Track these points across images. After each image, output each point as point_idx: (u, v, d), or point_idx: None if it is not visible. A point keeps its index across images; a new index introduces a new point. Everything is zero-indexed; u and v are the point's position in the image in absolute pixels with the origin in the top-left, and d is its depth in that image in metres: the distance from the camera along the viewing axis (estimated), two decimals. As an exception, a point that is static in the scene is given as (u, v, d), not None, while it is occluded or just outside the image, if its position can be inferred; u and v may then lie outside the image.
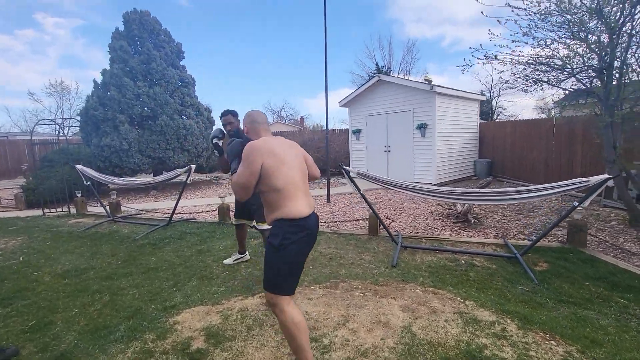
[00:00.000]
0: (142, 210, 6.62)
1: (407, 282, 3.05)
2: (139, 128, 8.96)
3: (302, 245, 1.78)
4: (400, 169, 8.71)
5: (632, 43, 4.14)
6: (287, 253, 1.72)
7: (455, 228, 4.79)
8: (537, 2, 4.70)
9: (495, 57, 5.62)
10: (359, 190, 4.04)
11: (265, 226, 3.10)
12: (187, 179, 4.76)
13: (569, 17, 4.57)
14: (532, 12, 4.88)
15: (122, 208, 6.64)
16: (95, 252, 4.23)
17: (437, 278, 3.13)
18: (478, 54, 5.74)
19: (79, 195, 6.56)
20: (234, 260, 3.62)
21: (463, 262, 3.53)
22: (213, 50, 58.09)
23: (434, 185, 7.44)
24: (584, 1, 4.29)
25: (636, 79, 4.31)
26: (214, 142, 3.03)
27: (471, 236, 4.44)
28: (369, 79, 19.74)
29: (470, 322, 2.35)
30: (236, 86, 63.60)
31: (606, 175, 3.05)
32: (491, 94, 22.98)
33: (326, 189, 7.09)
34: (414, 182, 6.37)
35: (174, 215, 5.36)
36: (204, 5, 53.72)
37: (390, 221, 5.35)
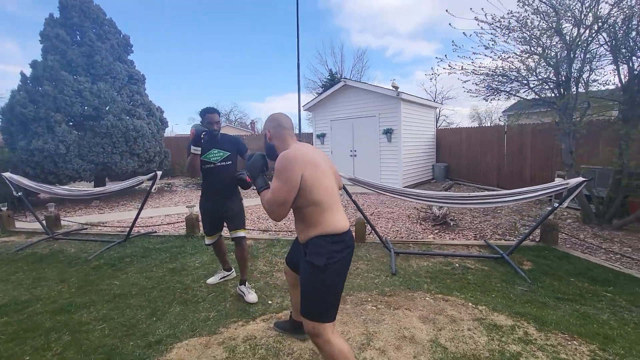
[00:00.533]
0: (86, 225, 5.71)
1: (414, 290, 2.95)
2: (79, 129, 7.80)
3: (345, 264, 1.59)
4: (366, 173, 8.79)
5: (586, 59, 4.62)
6: (332, 273, 1.53)
7: (436, 231, 4.88)
8: (501, 18, 5.06)
9: (462, 68, 5.94)
10: (350, 196, 3.89)
11: (242, 233, 2.84)
12: (152, 187, 4.17)
13: (529, 32, 4.98)
14: (496, 27, 5.25)
15: (62, 222, 5.66)
16: (38, 278, 3.47)
17: (441, 284, 3.09)
18: (444, 63, 6.02)
19: (3, 208, 5.44)
20: (220, 279, 3.21)
21: (457, 265, 3.56)
22: (156, 48, 54.34)
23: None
24: (546, 18, 4.69)
25: (593, 89, 4.83)
26: (202, 136, 2.64)
27: (453, 238, 4.54)
28: (334, 84, 19.83)
29: (492, 328, 2.31)
30: (179, 88, 60.20)
31: (582, 179, 3.28)
32: (435, 102, 24.70)
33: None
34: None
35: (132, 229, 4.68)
36: (148, 1, 50.13)
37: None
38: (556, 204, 3.42)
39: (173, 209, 6.94)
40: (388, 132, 8.17)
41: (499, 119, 21.52)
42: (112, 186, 4.73)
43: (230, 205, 2.83)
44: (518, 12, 5.00)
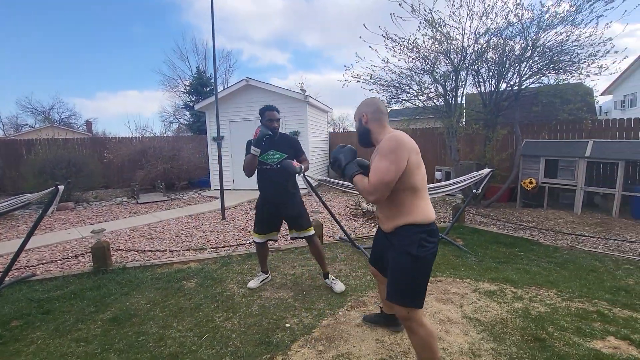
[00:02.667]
0: None
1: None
2: None
3: (435, 253, 1.62)
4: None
5: (467, 76, 6.03)
6: (426, 262, 1.59)
7: (372, 225, 5.33)
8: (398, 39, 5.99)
9: (371, 77, 6.67)
10: (320, 198, 3.80)
11: (312, 231, 2.92)
12: (51, 208, 2.86)
13: (424, 53, 6.09)
14: (391, 46, 6.17)
15: None
16: None
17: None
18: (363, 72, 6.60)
19: None
20: (261, 282, 3.09)
21: (416, 250, 4.03)
22: None
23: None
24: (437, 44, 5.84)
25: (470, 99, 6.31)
26: (265, 138, 2.65)
27: (393, 229, 5.08)
28: (203, 83, 18.06)
29: (490, 295, 2.78)
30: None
31: (488, 169, 4.32)
32: (328, 107, 26.41)
33: (220, 204, 6.07)
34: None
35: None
36: None
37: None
38: (474, 190, 4.36)
39: (56, 237, 4.92)
40: (295, 135, 8.27)
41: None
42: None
43: (292, 205, 2.89)
44: (414, 35, 6.05)
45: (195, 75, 21.27)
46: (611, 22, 5.01)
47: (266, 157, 2.78)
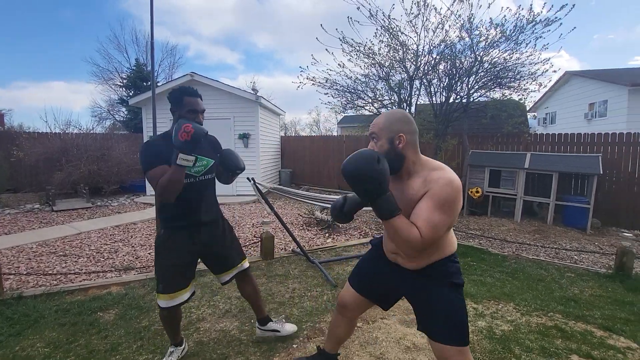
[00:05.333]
0: None
1: (368, 297, 2.93)
2: None
3: None
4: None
5: (420, 86, 6.09)
6: (462, 291, 1.43)
7: (327, 235, 5.05)
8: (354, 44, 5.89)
9: (327, 81, 6.47)
10: (272, 208, 3.41)
11: (247, 263, 2.14)
12: None
13: (379, 60, 6.05)
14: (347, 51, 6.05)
15: None
16: None
17: (380, 284, 3.22)
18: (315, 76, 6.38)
19: None
20: (178, 358, 2.02)
21: (374, 263, 3.82)
22: None
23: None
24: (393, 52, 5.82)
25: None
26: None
27: (348, 239, 4.85)
28: (143, 77, 16.51)
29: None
30: None
31: None
32: (281, 110, 25.56)
33: (155, 211, 5.32)
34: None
35: None
36: None
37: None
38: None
39: None
40: (245, 137, 7.74)
41: (333, 130, 24.81)
42: None
43: (221, 233, 2.05)
44: (370, 41, 5.98)
45: (134, 67, 19.44)
46: (548, 44, 5.42)
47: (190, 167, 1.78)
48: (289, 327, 2.27)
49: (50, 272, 3.45)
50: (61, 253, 4.06)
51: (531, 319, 2.56)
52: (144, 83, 15.89)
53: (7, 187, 8.05)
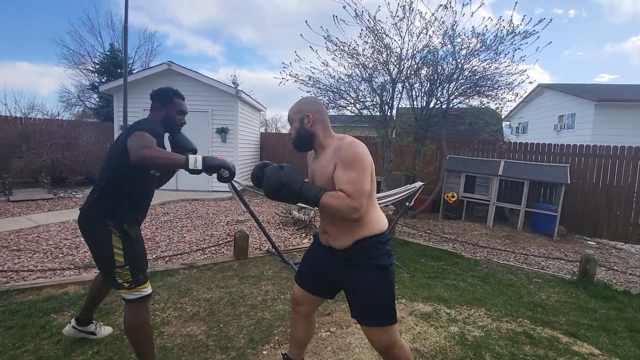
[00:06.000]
0: None
1: (337, 299, 2.87)
2: None
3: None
4: (195, 177, 7.69)
5: (402, 89, 6.12)
6: (392, 273, 1.46)
7: (303, 235, 4.97)
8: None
9: (309, 79, 6.39)
10: (247, 206, 3.29)
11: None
12: None
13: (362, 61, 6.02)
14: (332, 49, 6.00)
15: None
16: None
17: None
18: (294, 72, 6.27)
19: None
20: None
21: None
22: None
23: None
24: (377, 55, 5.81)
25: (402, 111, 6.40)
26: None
27: (325, 240, 4.79)
28: (115, 62, 15.76)
29: (426, 317, 2.63)
30: None
31: (421, 183, 4.34)
32: (262, 105, 25.00)
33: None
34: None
35: None
36: None
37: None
38: (407, 203, 4.33)
39: None
40: (223, 132, 7.51)
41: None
42: None
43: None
44: (355, 42, 5.95)
45: (109, 53, 18.48)
46: (525, 56, 5.59)
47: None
48: (106, 331, 2.16)
49: (0, 268, 3.16)
50: (14, 247, 3.74)
51: (501, 325, 2.60)
52: (118, 70, 15.11)
53: (-42, 173, 7.39)
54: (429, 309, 2.77)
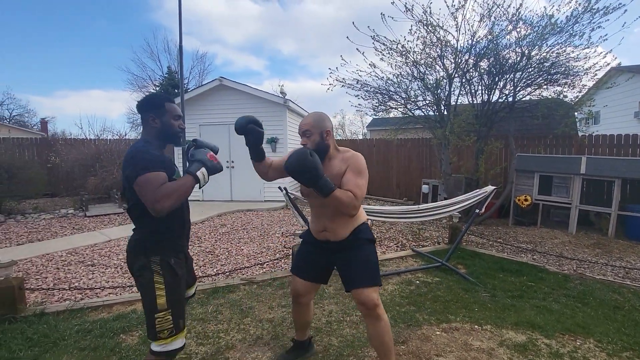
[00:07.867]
0: None
1: (416, 325, 2.56)
2: None
3: None
4: (246, 187, 7.83)
5: (460, 85, 5.63)
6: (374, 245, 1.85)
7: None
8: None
9: (357, 82, 6.14)
10: (305, 220, 3.13)
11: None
12: None
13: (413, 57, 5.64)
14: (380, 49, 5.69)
15: None
16: None
17: (427, 309, 2.83)
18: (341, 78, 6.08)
19: None
20: None
21: (416, 282, 3.44)
22: None
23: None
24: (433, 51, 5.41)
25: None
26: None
27: (384, 252, 4.48)
28: (174, 84, 16.92)
29: (520, 349, 2.22)
30: None
31: (492, 187, 3.85)
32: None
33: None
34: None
35: None
36: None
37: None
38: (477, 210, 3.86)
39: None
40: (273, 142, 7.56)
41: (362, 133, 24.98)
42: None
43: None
44: (405, 38, 5.60)
45: (167, 75, 20.06)
46: (607, 35, 4.81)
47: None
48: None
49: (76, 284, 3.34)
50: (89, 262, 3.98)
51: (623, 363, 2.10)
52: (175, 90, 16.27)
53: (45, 191, 8.31)
54: (522, 339, 2.35)
